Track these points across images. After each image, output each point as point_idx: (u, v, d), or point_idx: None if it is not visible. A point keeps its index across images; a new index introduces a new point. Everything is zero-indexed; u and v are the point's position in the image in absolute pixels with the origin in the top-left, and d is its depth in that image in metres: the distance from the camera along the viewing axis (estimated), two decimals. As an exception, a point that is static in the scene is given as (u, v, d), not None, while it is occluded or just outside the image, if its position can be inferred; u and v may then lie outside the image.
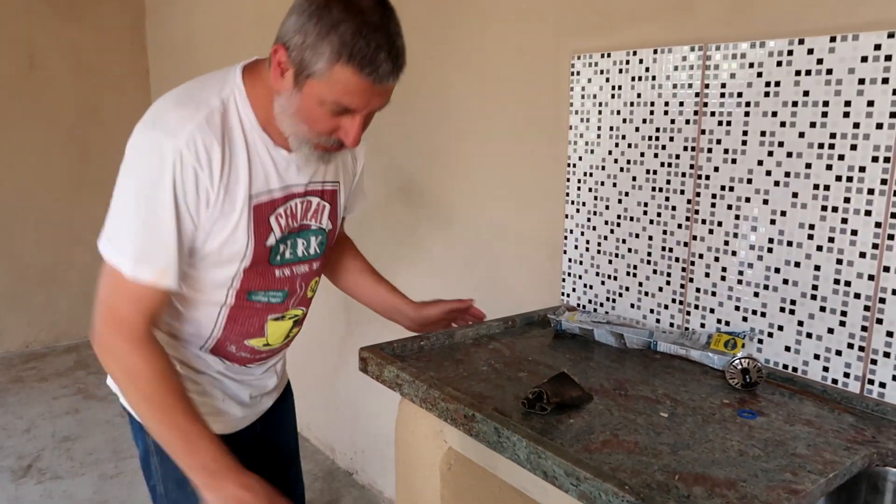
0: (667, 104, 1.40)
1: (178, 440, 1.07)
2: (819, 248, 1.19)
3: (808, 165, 1.19)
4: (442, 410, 1.14)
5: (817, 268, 1.19)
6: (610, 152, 1.53)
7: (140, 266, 1.05)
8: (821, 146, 1.17)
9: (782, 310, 1.25)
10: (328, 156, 1.15)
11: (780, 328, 1.25)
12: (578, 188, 1.61)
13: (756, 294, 1.28)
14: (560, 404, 1.11)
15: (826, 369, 1.20)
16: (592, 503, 0.89)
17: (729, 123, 1.30)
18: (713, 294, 1.36)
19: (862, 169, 1.12)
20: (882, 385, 1.12)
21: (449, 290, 2.06)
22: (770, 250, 1.26)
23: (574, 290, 1.65)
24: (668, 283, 1.44)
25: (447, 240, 2.06)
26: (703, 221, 1.36)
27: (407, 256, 2.24)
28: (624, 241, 1.52)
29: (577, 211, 1.61)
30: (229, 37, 3.21)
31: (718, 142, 1.32)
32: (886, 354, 1.11)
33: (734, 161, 1.30)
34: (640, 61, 1.43)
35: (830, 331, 1.19)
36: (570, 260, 1.65)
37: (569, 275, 1.66)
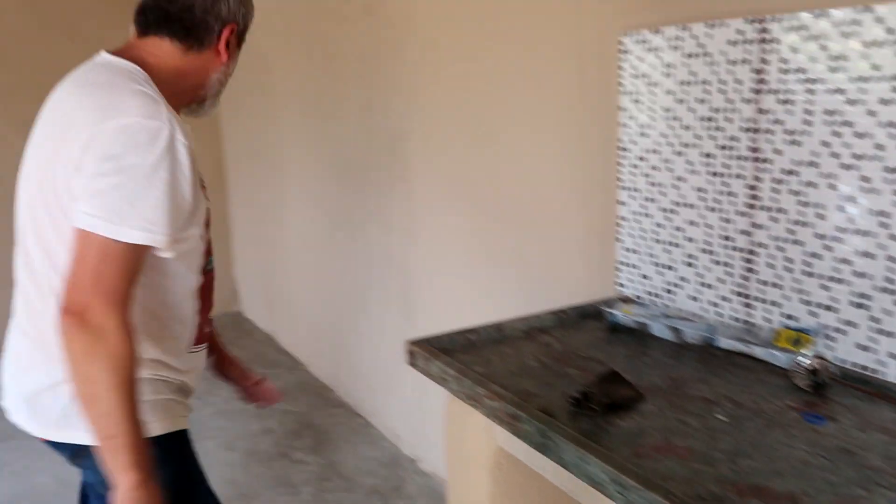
0: (723, 82, 1.31)
1: (131, 435, 1.07)
2: (894, 238, 1.09)
3: (880, 146, 1.09)
4: (487, 408, 1.11)
5: (892, 258, 1.10)
6: (664, 135, 1.45)
7: (141, 229, 1.12)
8: (893, 125, 1.07)
9: (854, 304, 1.15)
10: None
11: (852, 324, 1.16)
12: (632, 173, 1.53)
13: (824, 287, 1.19)
14: (610, 404, 1.07)
15: (904, 368, 1.10)
16: (639, 514, 0.85)
17: (791, 102, 1.20)
18: (777, 287, 1.27)
19: (944, 149, 1.02)
20: (967, 386, 1.03)
21: (501, 280, 2.02)
22: (839, 240, 1.16)
23: (630, 280, 1.59)
24: (728, 274, 1.36)
25: (496, 226, 2.02)
26: (766, 208, 1.27)
27: (459, 246, 2.21)
28: (681, 230, 1.45)
29: (631, 197, 1.54)
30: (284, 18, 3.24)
31: (779, 122, 1.23)
32: (972, 352, 1.02)
33: (797, 143, 1.20)
34: (694, 37, 1.35)
35: (909, 326, 1.09)
36: (624, 249, 1.59)
37: (623, 264, 1.59)
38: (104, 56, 1.20)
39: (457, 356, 1.29)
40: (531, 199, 1.87)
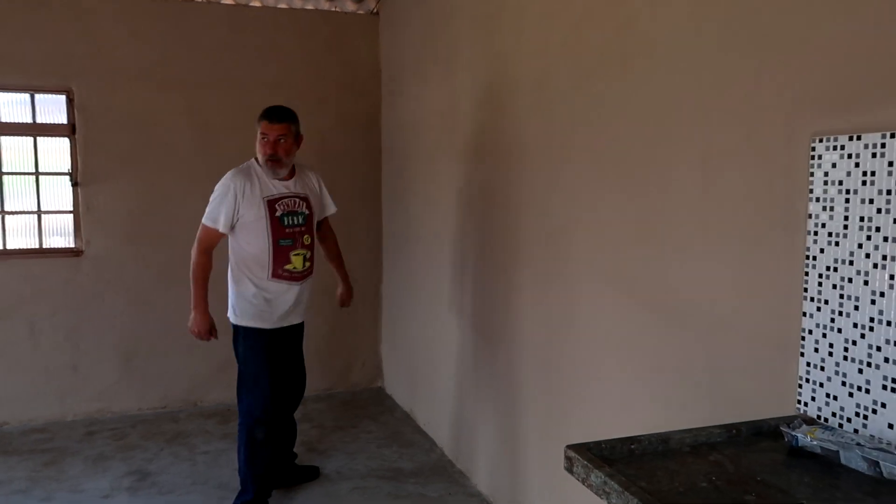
0: (936, 194, 1.20)
1: (197, 295, 2.86)
2: None
3: None
4: (655, 531, 1.04)
5: None
6: (860, 245, 1.34)
7: (211, 222, 2.85)
8: None
9: None
10: (275, 170, 2.89)
11: None
12: (820, 283, 1.42)
13: None
14: (799, 544, 0.96)
15: None
16: None
17: None
18: None
19: None
20: None
21: (661, 385, 1.92)
22: None
23: (813, 398, 1.44)
24: (939, 404, 1.20)
25: (659, 328, 1.94)
26: None
27: (618, 346, 2.14)
28: (879, 349, 1.31)
29: (818, 309, 1.43)
30: (450, 117, 3.42)
31: None
32: None
33: None
34: (900, 144, 1.25)
35: None
36: (808, 364, 1.45)
37: (807, 381, 1.46)
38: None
39: (619, 467, 1.23)
40: (700, 302, 1.78)
